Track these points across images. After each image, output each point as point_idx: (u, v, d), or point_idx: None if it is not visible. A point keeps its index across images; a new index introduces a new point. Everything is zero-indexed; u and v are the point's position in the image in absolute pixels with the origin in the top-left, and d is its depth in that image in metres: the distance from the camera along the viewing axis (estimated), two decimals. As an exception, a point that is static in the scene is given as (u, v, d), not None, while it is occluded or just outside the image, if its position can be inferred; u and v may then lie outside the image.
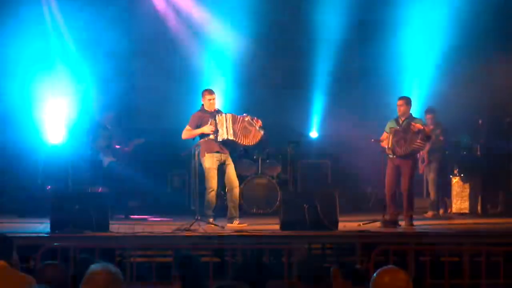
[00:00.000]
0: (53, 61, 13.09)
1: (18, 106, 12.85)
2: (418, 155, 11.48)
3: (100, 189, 10.99)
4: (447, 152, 12.75)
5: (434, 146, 12.17)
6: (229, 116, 9.99)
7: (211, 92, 10.12)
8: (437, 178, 12.43)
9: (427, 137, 10.23)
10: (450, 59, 13.41)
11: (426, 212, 12.36)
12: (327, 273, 4.73)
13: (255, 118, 10.11)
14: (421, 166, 12.50)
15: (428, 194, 12.96)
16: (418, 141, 10.03)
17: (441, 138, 12.34)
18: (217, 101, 10.31)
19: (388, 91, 12.74)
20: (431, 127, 12.31)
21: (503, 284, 7.60)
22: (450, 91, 13.19)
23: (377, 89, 13.52)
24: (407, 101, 10.32)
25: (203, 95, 10.11)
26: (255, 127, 10.07)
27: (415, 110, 11.24)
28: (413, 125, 10.01)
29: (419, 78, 13.58)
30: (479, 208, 12.90)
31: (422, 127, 9.98)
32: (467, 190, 12.95)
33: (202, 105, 10.11)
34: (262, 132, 10.12)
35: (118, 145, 11.53)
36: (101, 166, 11.27)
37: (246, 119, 10.05)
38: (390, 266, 3.61)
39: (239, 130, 10.01)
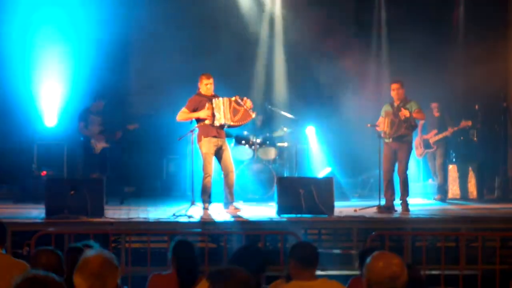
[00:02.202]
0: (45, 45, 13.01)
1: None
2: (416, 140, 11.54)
3: (94, 175, 10.95)
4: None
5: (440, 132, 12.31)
6: (226, 100, 9.90)
7: (208, 76, 10.02)
8: (444, 163, 12.49)
9: (412, 126, 10.22)
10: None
11: (435, 196, 12.38)
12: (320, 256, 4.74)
13: (244, 98, 9.98)
14: (419, 150, 12.55)
15: (425, 178, 13.00)
16: (403, 129, 10.06)
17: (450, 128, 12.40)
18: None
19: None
20: (437, 114, 12.38)
21: (499, 269, 7.60)
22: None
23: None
24: (402, 85, 10.30)
25: (200, 79, 10.02)
26: (243, 107, 9.93)
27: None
28: (401, 112, 10.03)
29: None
30: (475, 193, 12.89)
31: (408, 116, 10.00)
32: (464, 176, 12.94)
33: (199, 89, 10.03)
34: (252, 114, 9.94)
35: (110, 132, 11.45)
36: (93, 152, 11.22)
37: (233, 99, 9.94)
38: (384, 251, 3.59)
39: (232, 112, 9.90)
